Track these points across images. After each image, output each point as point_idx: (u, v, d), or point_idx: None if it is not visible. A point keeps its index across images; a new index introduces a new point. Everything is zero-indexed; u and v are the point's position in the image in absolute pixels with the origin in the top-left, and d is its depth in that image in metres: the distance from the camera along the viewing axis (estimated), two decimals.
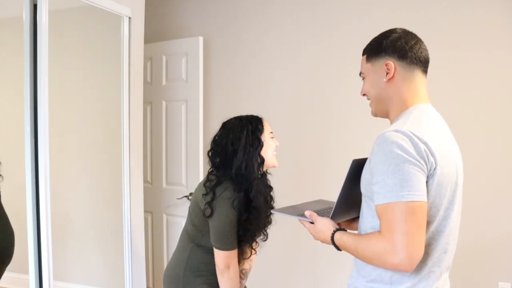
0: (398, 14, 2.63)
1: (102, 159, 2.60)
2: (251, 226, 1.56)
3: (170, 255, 3.10)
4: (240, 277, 1.70)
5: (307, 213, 1.28)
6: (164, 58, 3.08)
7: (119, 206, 2.50)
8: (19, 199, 2.06)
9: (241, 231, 1.56)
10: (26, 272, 2.00)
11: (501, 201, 2.48)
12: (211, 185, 1.56)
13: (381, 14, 2.67)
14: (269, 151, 1.62)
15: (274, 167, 1.66)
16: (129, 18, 2.48)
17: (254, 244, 1.70)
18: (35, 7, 1.96)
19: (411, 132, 1.03)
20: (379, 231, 1.04)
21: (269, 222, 1.71)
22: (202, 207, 1.56)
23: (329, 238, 1.20)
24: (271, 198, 1.74)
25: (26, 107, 1.96)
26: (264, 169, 1.65)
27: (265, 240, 1.74)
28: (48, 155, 1.97)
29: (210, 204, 1.53)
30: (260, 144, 1.58)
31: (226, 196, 1.53)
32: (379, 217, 1.05)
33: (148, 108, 3.15)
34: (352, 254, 1.14)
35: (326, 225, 1.22)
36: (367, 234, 1.12)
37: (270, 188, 1.75)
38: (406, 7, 2.62)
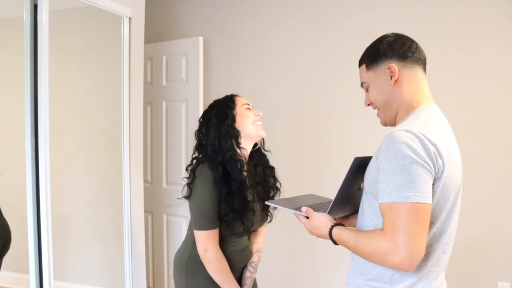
0: (398, 14, 2.63)
1: (102, 159, 2.60)
2: (234, 200, 1.53)
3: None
4: (250, 270, 1.70)
5: (303, 209, 1.28)
6: (164, 58, 3.08)
7: (119, 206, 2.50)
8: (19, 199, 2.06)
9: (225, 207, 1.52)
10: (26, 271, 2.00)
11: (501, 201, 2.48)
12: (191, 168, 1.59)
13: (381, 14, 2.67)
14: (247, 121, 1.59)
15: (261, 137, 1.64)
16: (129, 18, 2.48)
17: (256, 223, 1.66)
18: (35, 7, 1.96)
19: (422, 134, 1.03)
20: (381, 229, 1.05)
21: (265, 206, 1.65)
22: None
23: (327, 233, 1.20)
24: (274, 178, 1.73)
25: (27, 107, 1.96)
26: (251, 141, 1.63)
27: (270, 221, 1.73)
28: (48, 155, 1.97)
29: (189, 185, 1.55)
30: (230, 118, 1.57)
31: (202, 174, 1.53)
32: (383, 215, 1.05)
33: (148, 108, 3.16)
34: (351, 250, 1.14)
35: (323, 220, 1.22)
36: (368, 231, 1.12)
37: (271, 168, 1.73)
38: (407, 7, 2.62)
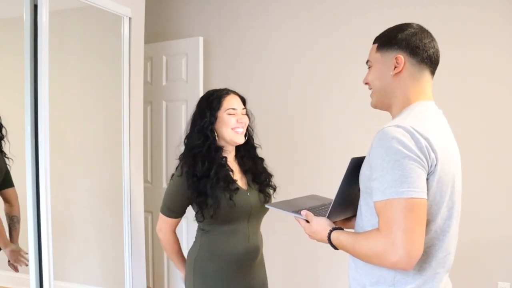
0: (398, 14, 2.63)
1: (102, 159, 2.60)
2: (200, 184, 1.56)
3: None
4: None
5: (303, 212, 1.26)
6: (164, 58, 3.08)
7: (119, 206, 2.50)
8: (19, 199, 2.06)
9: (193, 192, 1.56)
10: (26, 271, 2.00)
11: (501, 201, 2.48)
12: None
13: (381, 14, 2.67)
14: (225, 127, 1.60)
15: (237, 144, 1.65)
16: (130, 18, 2.48)
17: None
18: (35, 7, 1.96)
19: (413, 128, 1.02)
20: (377, 229, 1.02)
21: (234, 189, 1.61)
22: None
23: (326, 238, 1.17)
24: (264, 168, 1.74)
25: (27, 107, 1.96)
26: (227, 145, 1.64)
27: (274, 190, 1.74)
28: (48, 155, 1.97)
29: (172, 175, 1.67)
30: (208, 118, 1.60)
31: (177, 168, 1.63)
32: (378, 214, 1.03)
33: (148, 108, 3.16)
34: (350, 253, 1.13)
35: (322, 225, 1.20)
36: (365, 232, 1.10)
37: (260, 159, 1.75)
38: (407, 7, 2.62)
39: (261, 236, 1.74)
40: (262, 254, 1.74)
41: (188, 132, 1.66)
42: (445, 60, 2.50)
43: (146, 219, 2.91)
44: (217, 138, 1.62)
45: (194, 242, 1.70)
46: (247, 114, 1.68)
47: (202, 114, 1.62)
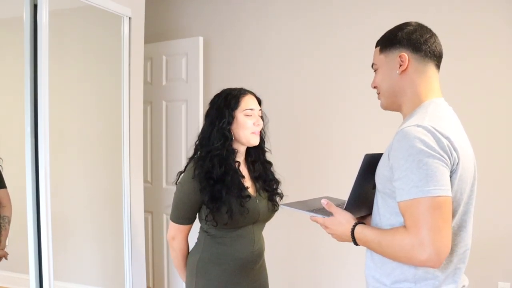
0: (401, 15, 2.63)
1: (102, 159, 2.60)
2: (214, 190, 1.52)
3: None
4: None
5: (323, 201, 1.24)
6: (164, 58, 3.08)
7: (119, 206, 2.50)
8: (19, 199, 2.06)
9: (207, 199, 1.52)
10: (26, 272, 2.00)
11: (501, 201, 2.48)
12: (189, 157, 1.65)
13: (382, 17, 2.67)
14: (242, 130, 1.58)
15: (252, 145, 1.63)
16: (129, 18, 2.48)
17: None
18: (35, 7, 1.96)
19: (433, 127, 1.03)
20: (404, 227, 1.03)
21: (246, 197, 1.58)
22: None
23: (349, 231, 1.16)
24: (272, 173, 1.73)
25: (27, 107, 1.96)
26: (239, 147, 1.62)
27: (281, 198, 1.72)
28: (48, 155, 1.97)
29: (179, 174, 1.64)
30: (226, 119, 1.56)
31: (187, 169, 1.60)
32: (403, 213, 1.03)
33: (148, 108, 3.16)
34: (374, 249, 1.13)
35: (346, 217, 1.19)
36: (390, 229, 1.09)
37: (269, 163, 1.74)
38: (409, 9, 2.62)
39: (264, 239, 1.74)
40: (264, 258, 1.74)
41: (204, 133, 1.61)
42: (447, 62, 2.52)
43: (146, 219, 2.91)
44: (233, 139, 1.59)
45: (196, 244, 1.69)
46: (261, 116, 1.66)
47: (220, 114, 1.58)
